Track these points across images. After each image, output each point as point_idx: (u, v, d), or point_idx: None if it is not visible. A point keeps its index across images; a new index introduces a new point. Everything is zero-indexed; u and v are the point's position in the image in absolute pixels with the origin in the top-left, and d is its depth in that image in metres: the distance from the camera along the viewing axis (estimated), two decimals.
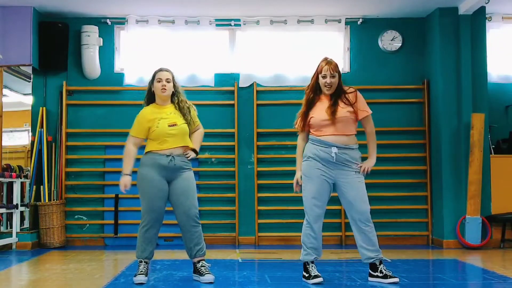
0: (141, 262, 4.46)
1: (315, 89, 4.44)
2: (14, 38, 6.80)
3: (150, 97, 4.60)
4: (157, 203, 4.40)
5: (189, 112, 4.56)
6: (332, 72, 4.34)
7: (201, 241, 4.49)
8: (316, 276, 4.33)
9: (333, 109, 4.34)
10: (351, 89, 4.48)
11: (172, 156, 4.41)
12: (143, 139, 4.53)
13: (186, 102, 4.60)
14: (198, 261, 4.49)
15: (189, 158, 4.51)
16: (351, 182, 4.35)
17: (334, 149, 4.31)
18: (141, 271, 4.41)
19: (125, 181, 4.43)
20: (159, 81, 4.49)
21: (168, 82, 4.50)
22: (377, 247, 4.37)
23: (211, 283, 4.37)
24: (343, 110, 4.36)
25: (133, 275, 4.45)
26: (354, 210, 4.34)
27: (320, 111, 4.38)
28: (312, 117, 4.40)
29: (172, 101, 4.58)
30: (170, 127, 4.44)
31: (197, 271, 4.48)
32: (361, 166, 4.38)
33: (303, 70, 7.16)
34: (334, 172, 4.36)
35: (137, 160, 4.53)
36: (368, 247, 4.35)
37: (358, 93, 4.47)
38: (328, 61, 4.39)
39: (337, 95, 4.39)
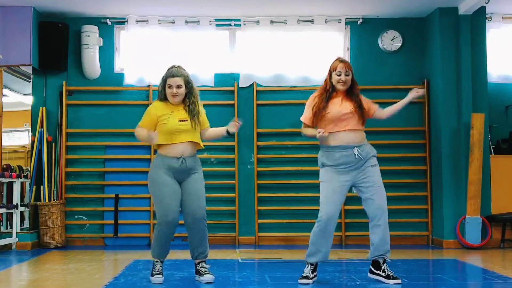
0: (157, 262, 4.46)
1: (326, 89, 4.45)
2: (14, 38, 6.80)
3: (162, 96, 4.51)
4: (173, 203, 4.33)
5: (198, 116, 4.46)
6: (346, 70, 4.39)
7: (204, 243, 4.47)
8: (304, 277, 4.36)
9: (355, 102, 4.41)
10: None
11: (183, 158, 4.38)
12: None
13: (198, 106, 4.49)
14: (199, 263, 4.50)
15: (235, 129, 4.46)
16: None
17: (355, 150, 4.36)
18: (158, 271, 4.42)
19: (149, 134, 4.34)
20: (170, 87, 4.42)
21: (179, 88, 4.41)
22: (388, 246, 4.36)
23: (210, 283, 4.37)
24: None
25: (133, 275, 4.45)
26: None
27: (335, 106, 4.39)
28: (329, 112, 4.39)
29: (184, 102, 4.48)
30: (181, 122, 4.39)
31: (197, 272, 4.50)
32: None
33: (303, 70, 7.17)
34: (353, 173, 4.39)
35: (146, 160, 4.50)
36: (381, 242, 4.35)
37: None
38: (342, 60, 4.45)
39: (351, 93, 4.43)
